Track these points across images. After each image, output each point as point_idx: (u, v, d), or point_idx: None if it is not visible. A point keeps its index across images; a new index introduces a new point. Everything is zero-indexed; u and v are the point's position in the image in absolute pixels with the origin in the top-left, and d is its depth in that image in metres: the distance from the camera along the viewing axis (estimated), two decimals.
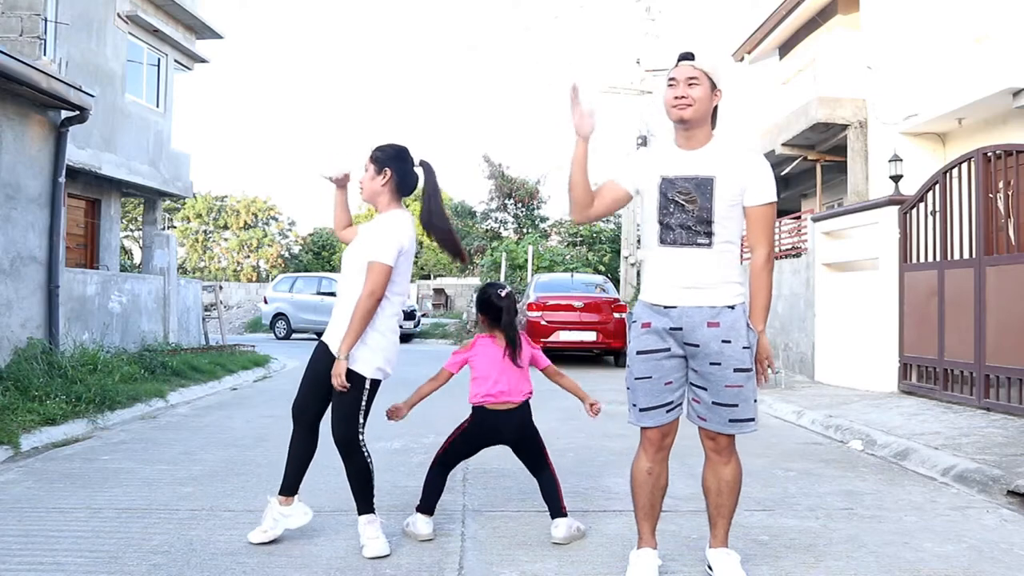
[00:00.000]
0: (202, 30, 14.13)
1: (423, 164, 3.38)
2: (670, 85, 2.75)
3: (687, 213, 2.69)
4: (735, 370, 2.68)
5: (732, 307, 2.70)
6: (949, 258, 7.41)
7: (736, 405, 2.70)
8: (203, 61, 14.38)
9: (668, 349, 2.73)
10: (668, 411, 2.76)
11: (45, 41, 9.31)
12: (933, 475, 4.66)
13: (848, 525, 3.63)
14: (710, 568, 2.89)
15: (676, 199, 2.70)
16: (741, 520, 3.68)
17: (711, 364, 2.69)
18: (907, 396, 7.80)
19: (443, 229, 3.36)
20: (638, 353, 2.77)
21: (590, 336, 12.32)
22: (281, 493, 3.35)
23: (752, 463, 4.81)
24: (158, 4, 12.83)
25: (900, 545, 3.33)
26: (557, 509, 3.35)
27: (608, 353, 13.08)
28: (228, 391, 9.05)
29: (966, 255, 7.13)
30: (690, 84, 2.69)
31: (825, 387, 8.91)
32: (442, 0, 78.58)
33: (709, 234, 2.68)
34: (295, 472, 3.37)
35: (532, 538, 3.40)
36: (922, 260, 7.88)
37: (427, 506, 3.40)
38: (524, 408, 3.39)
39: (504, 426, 3.35)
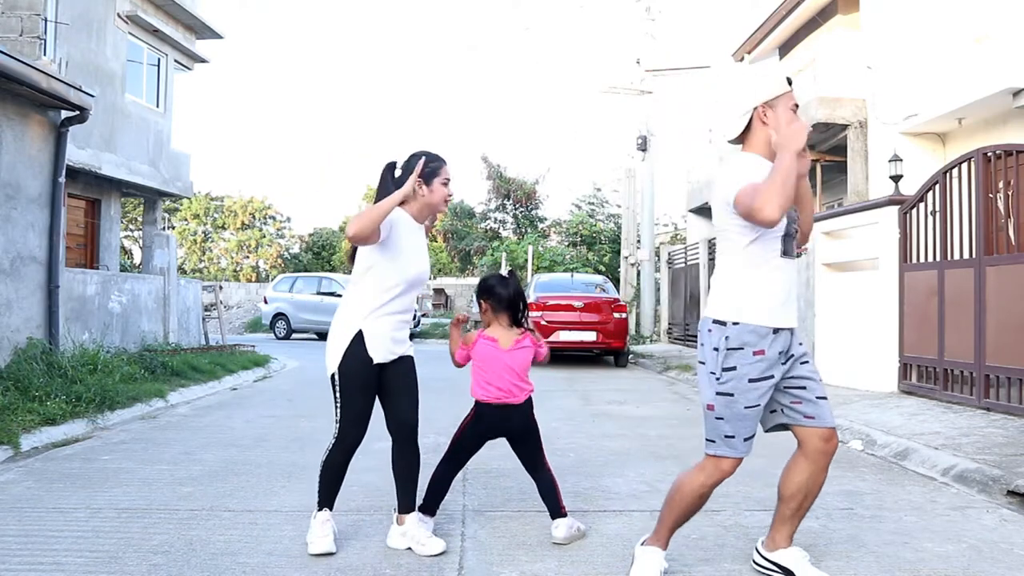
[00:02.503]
0: (202, 30, 14.14)
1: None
2: (796, 109, 2.80)
3: (791, 221, 2.78)
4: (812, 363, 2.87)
5: None
6: (949, 258, 7.41)
7: (827, 397, 2.86)
8: (203, 61, 14.38)
9: (773, 376, 2.73)
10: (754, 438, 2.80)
11: (45, 41, 9.31)
12: (933, 475, 4.66)
13: (848, 525, 3.63)
14: (777, 568, 2.89)
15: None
16: (741, 520, 3.68)
17: (801, 364, 2.81)
18: (907, 396, 7.79)
19: None
20: (751, 381, 2.68)
21: (590, 336, 12.33)
22: (330, 508, 3.32)
23: (752, 463, 4.78)
24: (158, 4, 12.84)
25: (900, 545, 3.33)
26: (556, 510, 3.34)
27: (608, 353, 13.08)
28: (228, 391, 9.05)
29: (966, 255, 7.13)
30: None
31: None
32: (442, 0, 78.59)
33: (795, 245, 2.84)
34: (333, 487, 3.34)
35: (532, 538, 3.40)
36: (922, 260, 7.88)
37: (430, 506, 3.40)
38: (527, 404, 3.39)
39: (511, 416, 3.34)
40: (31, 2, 8.48)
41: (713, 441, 2.73)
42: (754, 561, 2.98)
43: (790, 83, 2.83)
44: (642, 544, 2.89)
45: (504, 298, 3.36)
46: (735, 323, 2.69)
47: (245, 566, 3.02)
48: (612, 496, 4.13)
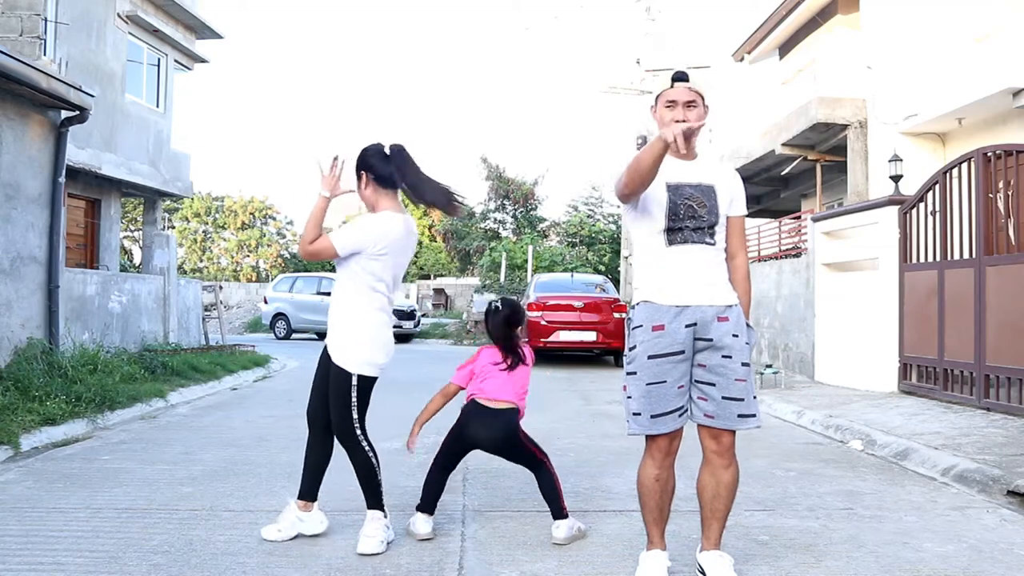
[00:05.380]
0: (202, 30, 14.13)
1: (392, 148, 3.38)
2: (668, 106, 2.77)
3: (698, 218, 2.75)
4: (742, 363, 2.74)
5: (734, 305, 2.79)
6: (949, 258, 7.41)
7: (743, 399, 2.73)
8: (203, 61, 14.38)
9: (683, 352, 2.71)
10: (679, 415, 2.75)
11: (45, 41, 9.30)
12: (933, 475, 4.66)
13: (848, 525, 3.63)
14: (702, 572, 2.86)
15: (687, 203, 2.74)
16: (741, 520, 3.68)
17: (723, 357, 2.72)
18: (907, 396, 7.79)
19: (421, 185, 3.35)
20: (650, 357, 2.70)
21: (590, 336, 12.33)
22: (300, 498, 3.39)
23: (752, 463, 4.81)
24: (158, 4, 12.83)
25: (900, 545, 3.33)
26: (558, 510, 3.35)
27: (608, 353, 13.08)
28: (228, 391, 9.05)
29: (966, 255, 7.13)
30: (689, 106, 2.76)
31: (825, 387, 8.91)
32: (442, 1, 78.59)
33: (713, 235, 2.78)
34: (312, 477, 3.42)
35: (532, 538, 3.40)
36: (922, 260, 7.88)
37: (427, 506, 3.40)
38: (512, 413, 3.37)
39: (491, 421, 3.33)
40: (31, 2, 8.47)
41: (628, 421, 2.80)
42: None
43: (674, 80, 2.78)
44: (646, 551, 2.90)
45: (492, 330, 3.44)
46: (636, 304, 2.81)
47: (245, 566, 3.02)
48: (612, 496, 4.13)
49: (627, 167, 2.66)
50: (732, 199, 2.85)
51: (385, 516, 3.31)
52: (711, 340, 2.72)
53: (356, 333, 3.27)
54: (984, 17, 8.65)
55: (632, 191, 2.68)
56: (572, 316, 12.32)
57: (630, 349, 2.78)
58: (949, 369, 7.29)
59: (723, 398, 2.72)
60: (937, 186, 7.66)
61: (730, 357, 2.72)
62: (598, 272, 21.53)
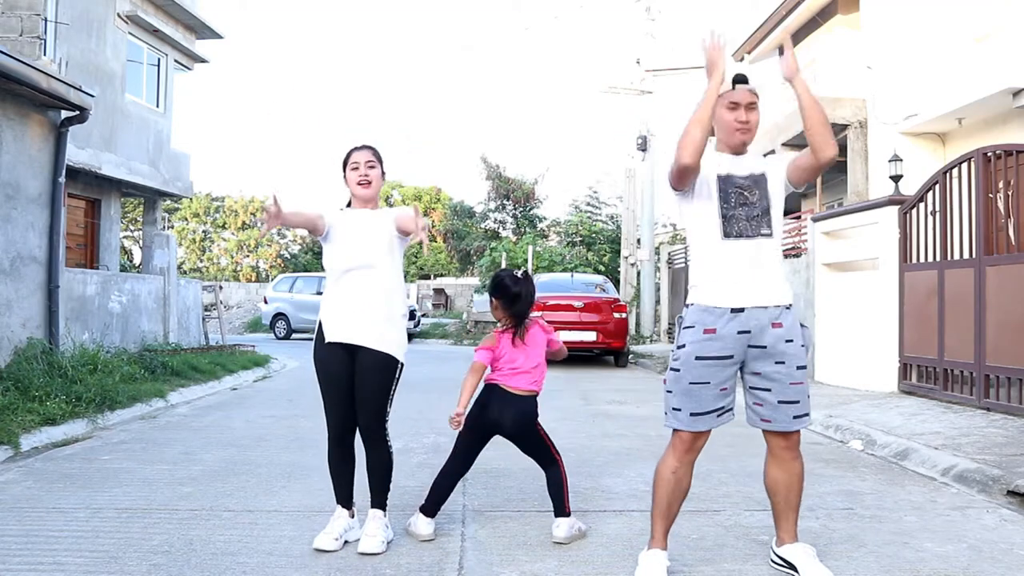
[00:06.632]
0: (202, 30, 14.13)
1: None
2: (731, 108, 2.79)
3: (750, 205, 2.79)
4: (798, 367, 2.79)
5: (789, 307, 2.82)
6: (949, 258, 7.41)
7: (798, 401, 2.80)
8: (203, 61, 14.39)
9: (731, 356, 2.75)
10: (719, 416, 2.80)
11: (45, 41, 9.31)
12: (933, 475, 4.66)
13: (848, 525, 3.63)
14: (784, 563, 2.92)
15: (738, 191, 2.79)
16: (741, 520, 3.68)
17: (776, 363, 2.77)
18: (907, 396, 7.79)
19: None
20: (698, 358, 2.74)
21: (590, 336, 12.32)
22: (344, 506, 3.38)
23: (752, 463, 4.80)
24: (158, 4, 12.83)
25: (900, 545, 3.33)
26: (561, 508, 3.34)
27: (608, 353, 13.08)
28: (228, 391, 9.04)
29: (966, 255, 7.12)
30: (750, 108, 2.80)
31: (825, 387, 8.91)
32: (442, 1, 78.59)
33: (770, 223, 2.80)
34: (350, 484, 3.41)
35: (532, 538, 3.40)
36: (922, 260, 7.88)
37: (431, 509, 3.39)
38: (531, 401, 3.37)
39: (511, 405, 3.32)
40: (31, 2, 8.47)
41: (665, 414, 2.86)
42: (771, 559, 3.02)
43: (735, 83, 2.79)
44: (646, 550, 2.91)
45: (512, 297, 3.36)
46: (689, 304, 2.85)
47: (245, 566, 3.02)
48: (612, 496, 4.13)
49: (686, 130, 2.66)
50: (783, 169, 2.88)
51: (385, 515, 3.31)
52: (765, 347, 2.76)
53: (400, 320, 3.37)
54: (984, 17, 8.65)
55: (694, 149, 2.64)
56: (572, 316, 12.31)
57: (678, 347, 2.81)
58: (949, 369, 7.29)
59: (779, 403, 2.78)
60: (937, 186, 7.65)
61: (783, 363, 2.77)
62: (598, 272, 21.52)
